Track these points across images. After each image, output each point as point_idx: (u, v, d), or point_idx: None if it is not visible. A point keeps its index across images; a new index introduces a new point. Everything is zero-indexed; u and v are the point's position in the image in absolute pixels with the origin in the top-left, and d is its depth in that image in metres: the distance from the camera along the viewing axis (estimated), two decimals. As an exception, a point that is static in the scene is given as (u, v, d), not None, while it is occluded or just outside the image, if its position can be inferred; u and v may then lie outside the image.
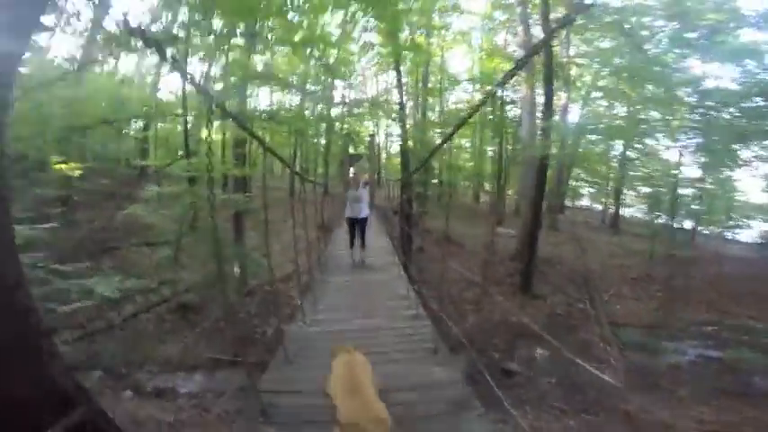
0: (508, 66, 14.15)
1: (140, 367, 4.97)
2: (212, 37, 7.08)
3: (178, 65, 1.96)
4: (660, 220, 18.99)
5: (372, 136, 19.73)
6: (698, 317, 8.40)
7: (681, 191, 15.87)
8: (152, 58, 14.59)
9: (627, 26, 9.49)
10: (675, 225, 16.34)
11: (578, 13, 2.06)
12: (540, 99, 10.64)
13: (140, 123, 16.12)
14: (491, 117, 19.05)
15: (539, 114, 10.87)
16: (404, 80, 14.51)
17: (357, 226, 6.45)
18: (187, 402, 4.34)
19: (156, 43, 1.55)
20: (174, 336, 5.60)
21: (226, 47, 8.77)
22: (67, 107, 8.17)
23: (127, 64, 17.40)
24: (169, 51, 1.64)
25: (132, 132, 16.89)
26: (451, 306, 7.17)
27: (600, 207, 24.65)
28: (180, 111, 8.22)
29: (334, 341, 3.13)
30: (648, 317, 8.44)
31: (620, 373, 6.38)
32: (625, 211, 20.87)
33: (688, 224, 16.56)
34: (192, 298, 5.70)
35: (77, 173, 7.76)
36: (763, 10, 10.03)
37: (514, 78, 14.44)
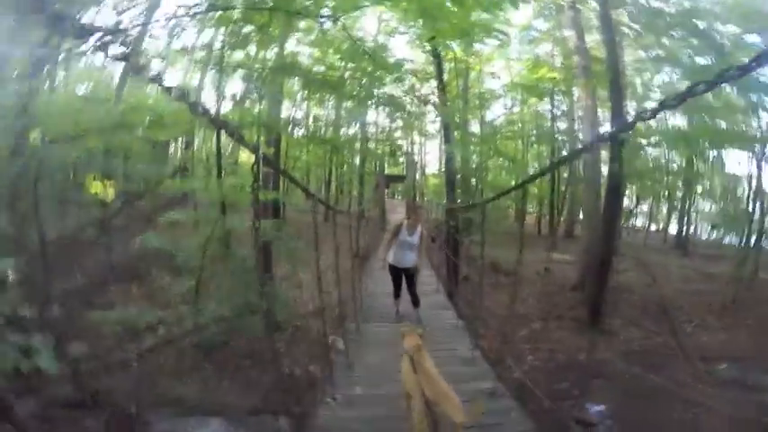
0: (554, 75, 13.25)
1: (152, 408, 4.39)
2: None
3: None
4: (729, 239, 17.03)
5: (410, 154, 19.09)
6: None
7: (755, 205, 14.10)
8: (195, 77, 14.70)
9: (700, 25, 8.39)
10: (748, 244, 14.48)
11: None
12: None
13: (181, 142, 16.42)
14: (531, 135, 17.98)
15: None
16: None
17: (405, 277, 5.18)
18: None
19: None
20: (195, 374, 5.01)
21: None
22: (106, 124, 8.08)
23: (172, 78, 17.84)
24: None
25: (179, 153, 17.20)
26: (507, 346, 6.21)
27: (656, 227, 22.63)
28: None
29: None
30: (744, 349, 7.11)
31: (723, 416, 5.24)
32: (686, 231, 18.95)
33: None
34: (216, 333, 5.13)
35: (111, 195, 7.62)
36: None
37: (561, 86, 13.58)
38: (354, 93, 8.53)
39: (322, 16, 5.02)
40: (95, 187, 8.25)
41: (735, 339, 7.46)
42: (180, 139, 16.11)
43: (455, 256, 8.36)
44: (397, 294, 5.30)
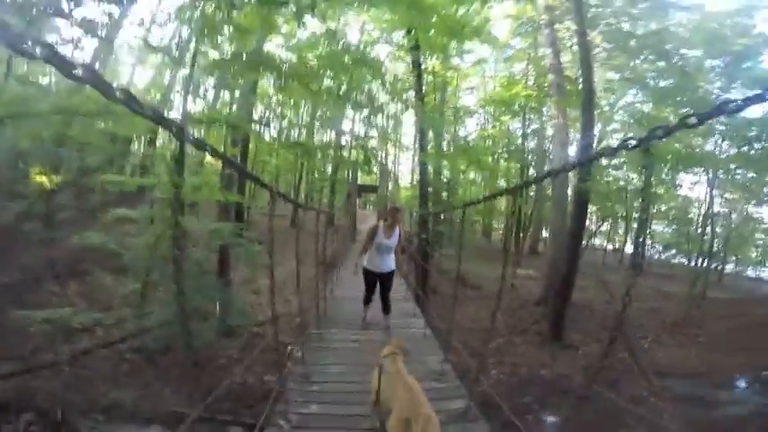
0: (528, 93, 13.59)
1: (82, 413, 3.96)
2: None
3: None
4: (678, 260, 17.95)
5: (383, 164, 18.99)
6: (752, 362, 7.35)
7: (706, 228, 14.98)
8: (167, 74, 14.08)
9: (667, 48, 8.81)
10: (697, 265, 15.31)
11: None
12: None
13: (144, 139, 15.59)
14: (502, 151, 18.34)
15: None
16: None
17: (380, 282, 4.74)
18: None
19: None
20: (134, 379, 4.58)
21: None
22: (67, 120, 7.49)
23: (143, 77, 16.88)
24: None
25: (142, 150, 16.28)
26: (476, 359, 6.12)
27: (612, 247, 23.48)
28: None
29: None
30: (695, 365, 7.42)
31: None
32: (642, 251, 19.81)
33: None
34: (161, 337, 4.72)
35: (55, 186, 7.04)
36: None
37: (533, 104, 13.95)
38: (333, 90, 8.10)
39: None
40: (40, 178, 7.64)
41: (687, 355, 7.73)
42: (143, 136, 15.37)
43: (425, 267, 8.25)
44: (368, 300, 4.89)
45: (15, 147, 8.02)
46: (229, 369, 5.00)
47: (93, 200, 10.49)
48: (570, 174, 9.46)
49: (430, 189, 11.87)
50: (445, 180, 14.93)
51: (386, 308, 4.80)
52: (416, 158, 19.26)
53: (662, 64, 9.40)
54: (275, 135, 14.68)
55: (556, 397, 5.54)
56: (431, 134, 12.17)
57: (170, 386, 4.51)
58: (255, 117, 13.85)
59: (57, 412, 3.84)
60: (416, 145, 16.00)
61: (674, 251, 18.02)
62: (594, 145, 16.54)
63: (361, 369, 3.27)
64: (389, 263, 4.67)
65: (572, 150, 10.44)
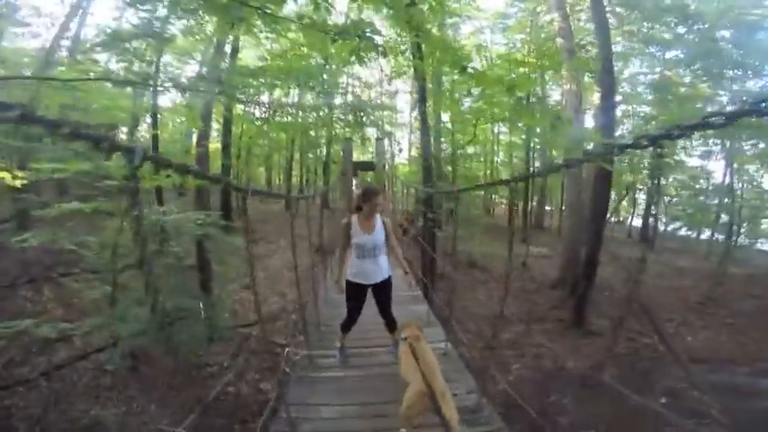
0: (531, 61, 12.72)
1: None
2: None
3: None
4: (686, 233, 17.38)
5: (380, 140, 18.06)
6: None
7: (712, 201, 14.41)
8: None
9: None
10: (705, 238, 14.73)
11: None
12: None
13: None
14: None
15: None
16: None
17: (374, 296, 3.36)
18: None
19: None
20: (116, 393, 4.05)
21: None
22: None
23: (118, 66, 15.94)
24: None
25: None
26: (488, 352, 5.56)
27: (615, 219, 22.79)
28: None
29: None
30: (728, 349, 6.85)
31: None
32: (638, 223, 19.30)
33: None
34: (143, 344, 4.13)
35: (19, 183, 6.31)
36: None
37: (535, 72, 13.11)
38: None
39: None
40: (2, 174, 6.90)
41: (718, 339, 7.21)
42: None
43: (433, 250, 7.56)
44: (348, 326, 3.43)
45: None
46: (219, 377, 4.43)
47: (73, 196, 9.76)
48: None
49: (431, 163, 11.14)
50: (444, 155, 14.22)
51: (390, 324, 3.45)
52: (412, 135, 18.56)
53: (668, 36, 8.73)
54: (263, 115, 13.85)
55: (584, 392, 5.02)
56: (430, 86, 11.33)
57: (154, 400, 3.96)
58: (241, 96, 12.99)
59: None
60: (413, 114, 15.18)
61: (680, 224, 17.48)
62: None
63: (370, 410, 2.58)
64: (382, 268, 3.30)
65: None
